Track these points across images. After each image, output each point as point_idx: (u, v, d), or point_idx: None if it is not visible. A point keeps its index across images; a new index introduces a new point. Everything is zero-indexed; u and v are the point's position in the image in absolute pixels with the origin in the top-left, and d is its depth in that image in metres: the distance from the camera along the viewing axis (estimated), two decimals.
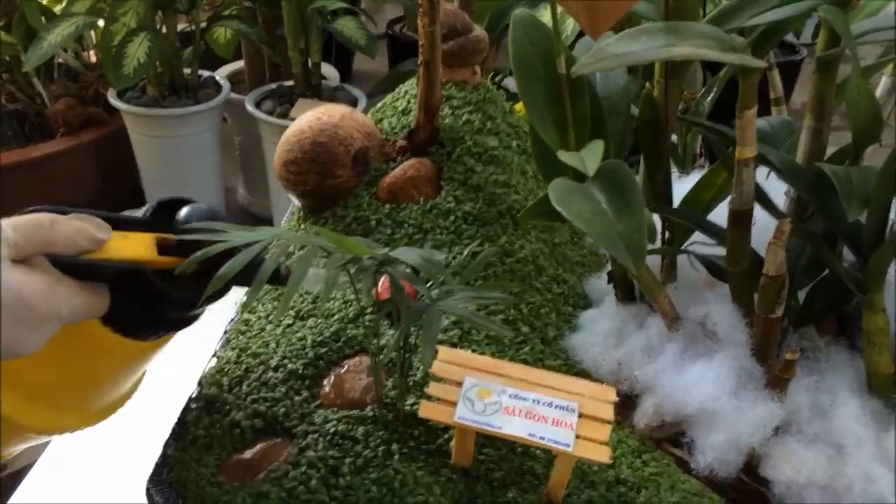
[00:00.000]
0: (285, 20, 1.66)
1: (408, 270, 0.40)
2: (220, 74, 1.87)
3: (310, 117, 0.57)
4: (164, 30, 1.72)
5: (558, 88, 0.41)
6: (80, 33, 1.65)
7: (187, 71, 1.77)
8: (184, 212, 0.42)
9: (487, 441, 0.44)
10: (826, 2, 0.41)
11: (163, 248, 0.40)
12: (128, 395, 0.46)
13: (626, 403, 0.50)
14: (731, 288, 0.48)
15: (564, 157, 0.38)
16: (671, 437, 0.49)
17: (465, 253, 0.52)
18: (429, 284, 0.41)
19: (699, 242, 0.52)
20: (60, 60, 1.92)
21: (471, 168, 0.57)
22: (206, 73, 1.84)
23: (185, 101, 1.72)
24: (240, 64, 1.96)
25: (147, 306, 0.40)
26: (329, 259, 0.36)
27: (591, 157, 0.37)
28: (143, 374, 0.46)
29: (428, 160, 0.57)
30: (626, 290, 0.55)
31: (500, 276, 0.53)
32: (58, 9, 1.81)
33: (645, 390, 0.50)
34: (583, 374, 0.51)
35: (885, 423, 0.45)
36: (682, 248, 0.52)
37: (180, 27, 1.81)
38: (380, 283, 0.51)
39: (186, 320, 0.43)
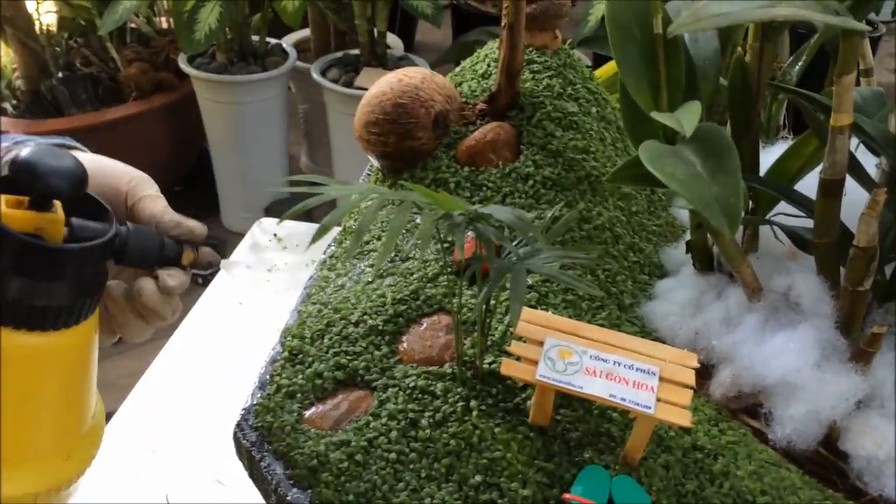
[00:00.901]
0: None
1: (493, 229, 0.40)
2: (287, 42, 1.89)
3: (391, 78, 0.57)
4: None
5: (654, 49, 0.41)
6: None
7: (255, 38, 1.79)
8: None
9: (564, 402, 0.44)
10: None
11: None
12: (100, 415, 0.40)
13: (702, 373, 0.50)
14: (817, 259, 0.48)
15: (660, 117, 0.38)
16: (748, 408, 0.49)
17: (549, 216, 0.52)
18: (515, 243, 0.41)
19: (783, 213, 0.51)
20: (133, 26, 1.97)
21: (550, 133, 0.57)
22: (273, 41, 1.87)
23: (252, 67, 1.74)
24: (306, 32, 1.98)
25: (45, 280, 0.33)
26: (423, 214, 0.36)
27: (687, 118, 0.37)
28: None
29: (508, 124, 0.57)
30: (705, 260, 0.54)
31: (578, 242, 0.53)
32: None
33: (722, 360, 0.49)
34: (658, 341, 0.51)
35: None
36: (766, 218, 0.51)
37: None
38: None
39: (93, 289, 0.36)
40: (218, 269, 0.46)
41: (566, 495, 0.40)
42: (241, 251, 0.87)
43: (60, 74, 1.83)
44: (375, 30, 1.72)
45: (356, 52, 1.77)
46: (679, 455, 0.43)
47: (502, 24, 0.55)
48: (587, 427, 0.44)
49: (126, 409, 0.67)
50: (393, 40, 1.89)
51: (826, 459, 0.45)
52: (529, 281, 0.51)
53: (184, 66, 1.76)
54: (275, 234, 0.88)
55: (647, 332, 0.52)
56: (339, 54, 1.80)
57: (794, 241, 0.49)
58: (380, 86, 0.58)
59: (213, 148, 1.84)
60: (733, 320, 0.50)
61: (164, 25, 2.03)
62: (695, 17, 0.38)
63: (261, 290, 0.81)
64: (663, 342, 0.51)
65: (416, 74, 0.58)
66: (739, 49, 0.47)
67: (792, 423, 0.45)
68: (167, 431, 0.65)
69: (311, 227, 0.88)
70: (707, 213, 0.35)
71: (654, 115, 0.39)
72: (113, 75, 1.90)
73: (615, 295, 0.53)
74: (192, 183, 1.98)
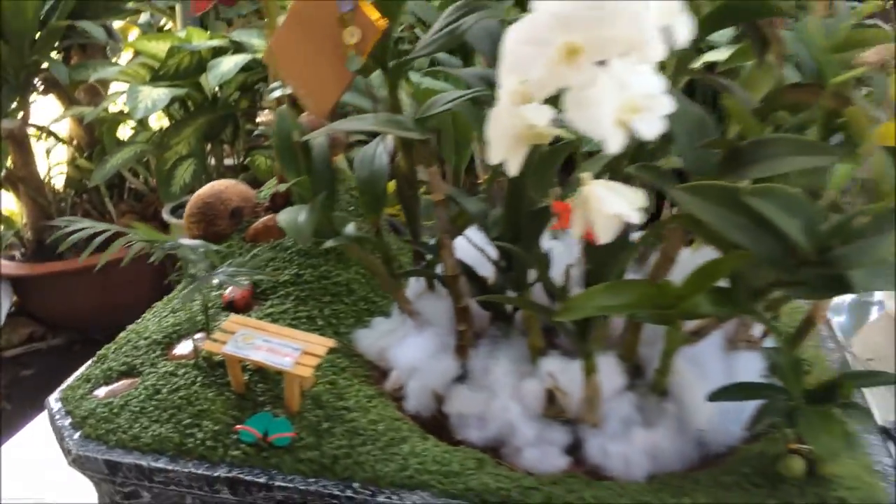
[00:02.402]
0: None
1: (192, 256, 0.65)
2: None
3: (207, 187, 0.84)
4: (212, 159, 2.10)
5: (295, 151, 0.66)
6: (139, 157, 2.04)
7: None
8: None
9: (260, 377, 0.66)
10: None
11: None
12: None
13: (383, 375, 0.72)
14: (447, 287, 0.71)
15: (292, 186, 0.63)
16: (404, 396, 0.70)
17: (295, 273, 0.76)
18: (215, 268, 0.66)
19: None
20: (132, 185, 2.33)
21: None
22: None
23: None
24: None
25: None
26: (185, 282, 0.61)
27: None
28: None
29: None
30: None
31: (314, 289, 0.77)
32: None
33: (392, 364, 0.71)
34: (359, 356, 0.73)
35: (524, 378, 0.65)
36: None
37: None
38: (228, 290, 0.76)
39: None
40: None
41: (237, 426, 0.62)
42: None
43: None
44: None
45: None
46: (329, 410, 0.65)
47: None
48: (272, 392, 0.66)
49: None
50: None
51: (437, 419, 0.66)
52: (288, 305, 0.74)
53: (166, 216, 2.08)
54: None
55: (351, 349, 0.74)
56: None
57: (438, 279, 0.73)
58: (199, 191, 0.84)
59: None
60: (402, 336, 0.72)
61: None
62: (324, 130, 0.64)
63: None
64: (362, 356, 0.74)
65: (224, 184, 0.84)
66: (397, 159, 0.72)
67: (415, 396, 0.66)
68: None
69: None
70: (290, 233, 0.59)
71: (285, 186, 0.63)
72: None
73: (334, 325, 0.76)
74: None
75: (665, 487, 0.58)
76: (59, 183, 2.27)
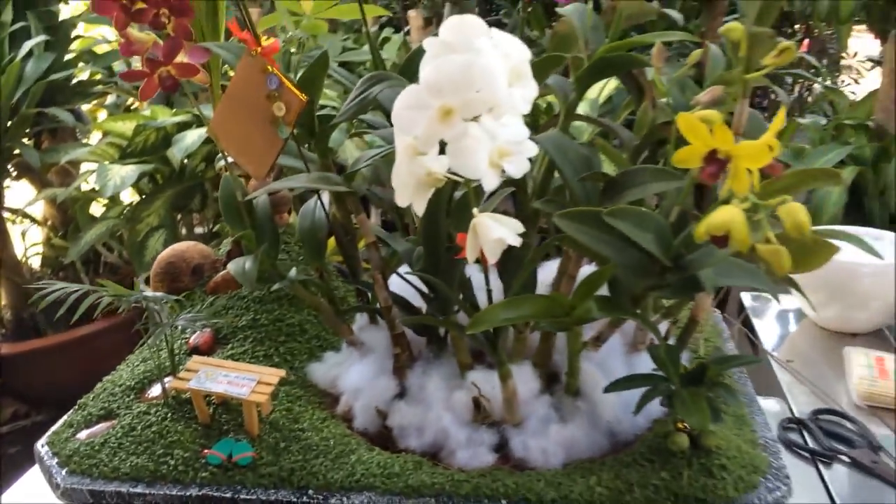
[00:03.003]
0: None
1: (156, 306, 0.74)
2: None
3: (169, 249, 0.94)
4: (183, 228, 2.20)
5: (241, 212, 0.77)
6: (113, 232, 2.13)
7: None
8: None
9: (225, 409, 0.75)
10: None
11: None
12: None
13: (335, 400, 0.81)
14: (384, 318, 0.81)
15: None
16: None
17: (252, 318, 0.86)
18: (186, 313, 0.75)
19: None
20: (107, 260, 2.42)
21: None
22: None
23: None
24: None
25: None
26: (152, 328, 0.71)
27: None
28: None
29: None
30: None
31: (270, 331, 0.87)
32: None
33: (341, 390, 0.81)
34: (313, 386, 0.83)
35: (454, 390, 0.74)
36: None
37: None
38: (193, 337, 0.85)
39: None
40: None
41: (205, 451, 0.71)
42: None
43: None
44: None
45: None
46: (286, 432, 0.74)
47: None
48: (234, 421, 0.75)
49: None
50: None
51: (382, 432, 0.75)
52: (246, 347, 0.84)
53: (141, 286, 2.17)
54: None
55: (306, 381, 0.83)
56: None
57: (377, 312, 0.83)
58: (162, 253, 0.94)
59: None
60: (350, 365, 0.82)
61: None
62: (264, 188, 0.75)
63: None
64: (316, 385, 0.83)
65: (186, 245, 0.95)
66: (334, 210, 0.83)
67: (360, 414, 0.76)
68: None
69: None
70: (238, 279, 0.69)
71: (230, 240, 0.74)
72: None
73: (290, 360, 0.85)
74: None
75: (576, 471, 0.68)
76: (35, 263, 2.35)
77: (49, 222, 2.39)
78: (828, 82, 2.55)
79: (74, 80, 2.46)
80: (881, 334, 1.26)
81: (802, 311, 1.32)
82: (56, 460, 0.73)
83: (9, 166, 2.31)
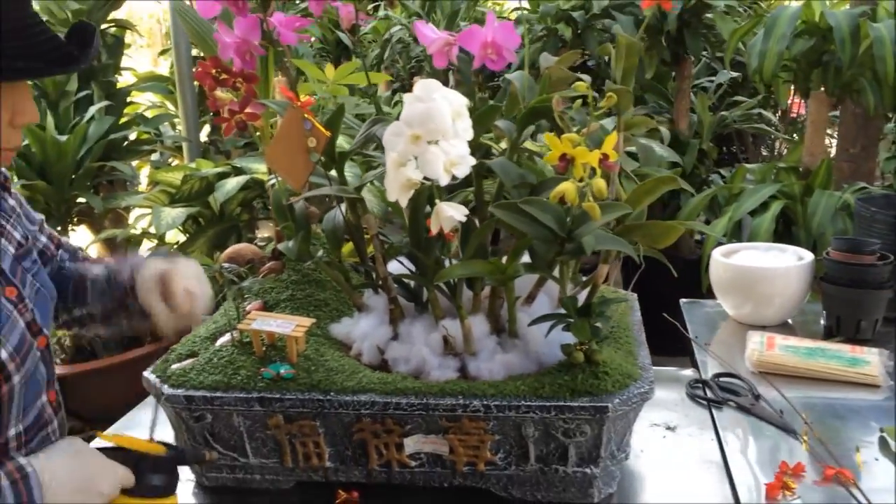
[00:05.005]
0: None
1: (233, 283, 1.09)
2: None
3: (230, 248, 1.30)
4: None
5: (286, 211, 1.13)
6: None
7: None
8: None
9: (271, 348, 1.09)
10: None
11: None
12: None
13: (350, 348, 1.15)
14: (383, 287, 1.15)
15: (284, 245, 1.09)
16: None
17: (288, 295, 1.21)
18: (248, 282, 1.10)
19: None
20: None
21: (296, 267, 1.28)
22: None
23: None
24: None
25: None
26: (228, 292, 1.06)
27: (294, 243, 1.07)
28: None
29: (281, 262, 1.28)
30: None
31: (303, 303, 1.21)
32: None
33: (353, 339, 1.15)
34: (334, 339, 1.17)
35: (431, 332, 1.08)
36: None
37: None
38: (249, 305, 1.20)
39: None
40: None
41: (261, 370, 1.04)
42: None
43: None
44: None
45: None
46: (315, 361, 1.07)
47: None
48: (280, 355, 1.09)
49: None
50: None
51: (382, 365, 1.09)
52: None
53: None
54: None
55: (329, 336, 1.17)
56: None
57: (378, 283, 1.17)
58: (226, 251, 1.30)
59: None
60: (358, 321, 1.16)
61: None
62: (297, 198, 1.11)
63: None
64: (335, 339, 1.17)
65: (241, 245, 1.30)
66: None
67: (366, 352, 1.10)
68: None
69: None
70: (286, 252, 1.04)
71: (278, 235, 1.09)
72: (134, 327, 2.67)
73: (317, 323, 1.19)
74: None
75: (510, 380, 1.01)
76: None
77: None
78: (783, 134, 2.92)
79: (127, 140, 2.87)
80: (787, 325, 1.60)
81: (726, 311, 1.64)
82: (160, 380, 1.07)
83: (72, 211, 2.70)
